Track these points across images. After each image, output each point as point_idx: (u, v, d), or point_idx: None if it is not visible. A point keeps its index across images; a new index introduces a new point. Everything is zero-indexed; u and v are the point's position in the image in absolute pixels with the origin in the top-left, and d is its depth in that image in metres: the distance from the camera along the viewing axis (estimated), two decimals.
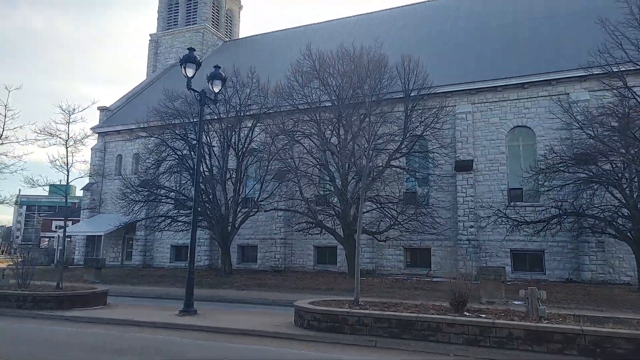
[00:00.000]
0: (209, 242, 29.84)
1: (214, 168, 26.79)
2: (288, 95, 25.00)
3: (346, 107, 23.77)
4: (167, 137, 26.01)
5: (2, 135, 16.45)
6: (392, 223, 21.83)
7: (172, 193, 26.97)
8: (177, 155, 26.58)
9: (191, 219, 26.30)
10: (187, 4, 44.91)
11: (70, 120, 15.19)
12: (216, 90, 14.26)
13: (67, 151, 14.95)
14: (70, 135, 14.93)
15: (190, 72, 13.27)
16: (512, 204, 22.23)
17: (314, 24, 41.67)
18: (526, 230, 20.34)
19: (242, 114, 26.71)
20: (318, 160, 24.91)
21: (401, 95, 23.85)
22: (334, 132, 24.33)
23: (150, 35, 45.59)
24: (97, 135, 36.51)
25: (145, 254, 31.83)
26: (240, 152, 26.47)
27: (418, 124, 23.19)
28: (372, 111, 23.42)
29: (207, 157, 26.51)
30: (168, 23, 45.65)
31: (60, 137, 14.91)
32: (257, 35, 45.81)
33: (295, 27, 42.65)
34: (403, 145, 23.28)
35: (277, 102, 26.45)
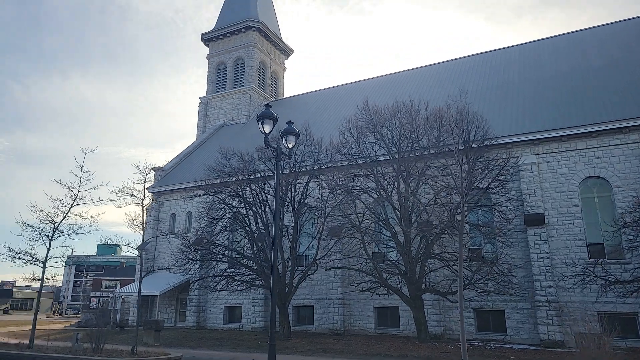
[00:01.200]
0: (263, 303, 28.95)
1: (269, 226, 26.47)
2: (346, 151, 24.82)
3: (405, 160, 23.36)
4: (225, 195, 26.07)
5: (77, 196, 16.77)
6: (465, 283, 20.44)
7: (228, 252, 26.63)
8: (233, 212, 26.54)
9: (248, 278, 26.11)
10: (235, 69, 47.06)
11: (146, 179, 15.36)
12: (290, 145, 14.09)
13: (143, 211, 15.00)
14: (146, 195, 15.10)
15: (267, 128, 13.18)
16: (600, 261, 20.44)
17: (361, 80, 42.50)
18: (618, 290, 18.53)
19: (297, 170, 26.64)
20: (378, 215, 24.23)
21: (461, 147, 23.25)
22: (394, 186, 23.78)
23: (200, 98, 47.66)
24: (151, 194, 37.38)
25: (198, 314, 31.14)
26: (296, 209, 26.13)
27: (483, 176, 22.32)
28: (431, 164, 22.97)
29: (262, 214, 26.28)
30: (217, 86, 47.75)
31: (137, 197, 15.03)
32: (301, 94, 47.05)
33: (339, 85, 43.60)
34: (467, 199, 22.35)
35: (332, 157, 26.39)
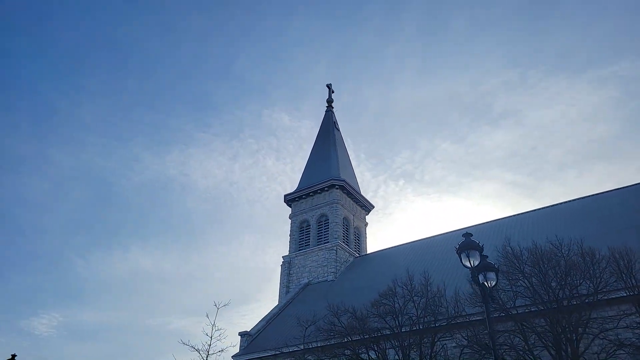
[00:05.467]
0: None
1: None
2: (480, 302, 21.49)
3: (561, 311, 19.63)
4: (344, 359, 22.53)
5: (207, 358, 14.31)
6: None
7: None
8: None
9: None
10: (318, 226, 46.92)
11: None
12: (492, 284, 11.59)
13: None
14: None
15: (474, 260, 10.95)
16: None
17: (462, 228, 40.46)
18: None
19: (420, 327, 23.13)
20: None
21: (623, 294, 19.56)
22: (550, 343, 19.55)
23: (283, 257, 46.81)
24: None
25: None
26: None
27: None
28: (587, 315, 19.11)
29: None
30: (299, 244, 47.13)
31: None
32: (389, 248, 45.11)
33: (435, 235, 41.60)
34: None
35: (459, 311, 23.08)
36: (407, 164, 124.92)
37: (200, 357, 14.42)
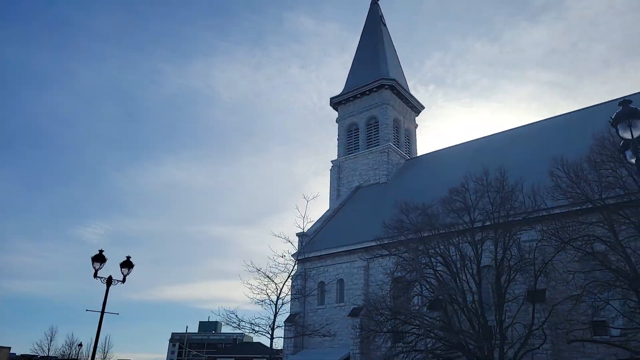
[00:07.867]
0: None
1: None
2: (562, 195, 20.27)
3: None
4: (417, 254, 22.35)
5: (300, 250, 14.00)
6: None
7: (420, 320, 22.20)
8: (423, 274, 22.57)
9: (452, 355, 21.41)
10: (368, 129, 45.36)
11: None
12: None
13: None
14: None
15: (636, 131, 9.28)
16: None
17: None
18: None
19: (495, 222, 22.39)
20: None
21: None
22: None
23: (332, 161, 46.17)
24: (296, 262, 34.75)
25: None
26: (501, 268, 21.52)
27: None
28: None
29: (460, 274, 22.04)
30: (348, 148, 46.13)
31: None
32: (438, 150, 43.64)
33: (495, 134, 39.59)
34: None
35: (537, 204, 22.06)
36: (438, 67, 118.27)
37: (294, 246, 14.30)
